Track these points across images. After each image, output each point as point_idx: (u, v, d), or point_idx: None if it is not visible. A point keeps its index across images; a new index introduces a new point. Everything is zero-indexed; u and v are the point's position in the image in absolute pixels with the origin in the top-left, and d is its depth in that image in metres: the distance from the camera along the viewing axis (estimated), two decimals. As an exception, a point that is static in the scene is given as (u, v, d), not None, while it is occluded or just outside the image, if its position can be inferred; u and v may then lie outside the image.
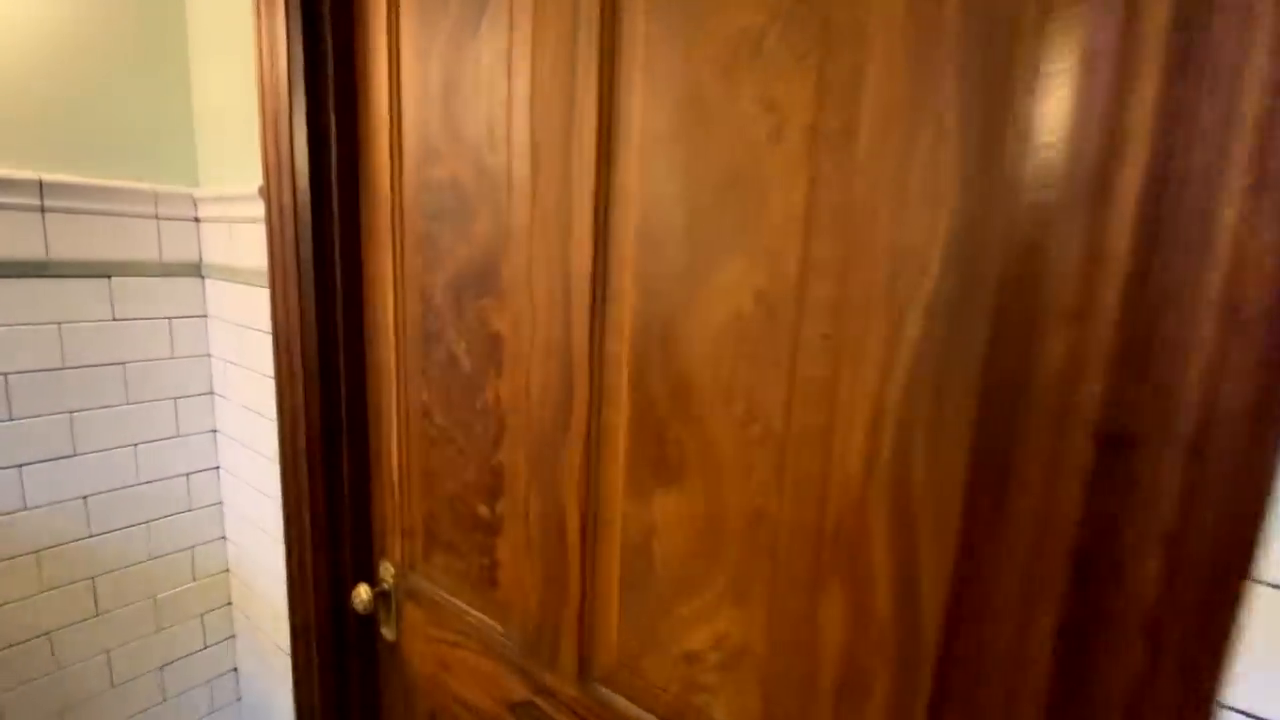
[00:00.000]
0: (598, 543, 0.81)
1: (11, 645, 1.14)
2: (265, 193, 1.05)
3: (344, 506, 1.12)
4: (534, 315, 0.81)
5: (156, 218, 1.22)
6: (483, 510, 0.97)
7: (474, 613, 1.00)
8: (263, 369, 1.19)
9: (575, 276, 0.75)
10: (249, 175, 1.13)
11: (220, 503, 1.40)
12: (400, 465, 1.08)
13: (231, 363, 1.28)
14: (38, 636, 1.17)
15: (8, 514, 1.11)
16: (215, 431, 1.37)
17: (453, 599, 1.04)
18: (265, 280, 1.10)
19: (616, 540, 0.79)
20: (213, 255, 1.26)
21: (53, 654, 1.19)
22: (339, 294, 1.04)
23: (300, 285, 1.03)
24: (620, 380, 0.75)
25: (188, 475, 1.34)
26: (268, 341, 1.16)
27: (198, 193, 1.26)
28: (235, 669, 1.43)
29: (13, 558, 1.13)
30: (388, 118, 0.96)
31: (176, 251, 1.25)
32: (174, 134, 1.23)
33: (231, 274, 1.22)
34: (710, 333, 0.65)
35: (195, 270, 1.29)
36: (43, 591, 1.17)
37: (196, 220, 1.28)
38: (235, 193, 1.15)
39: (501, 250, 0.85)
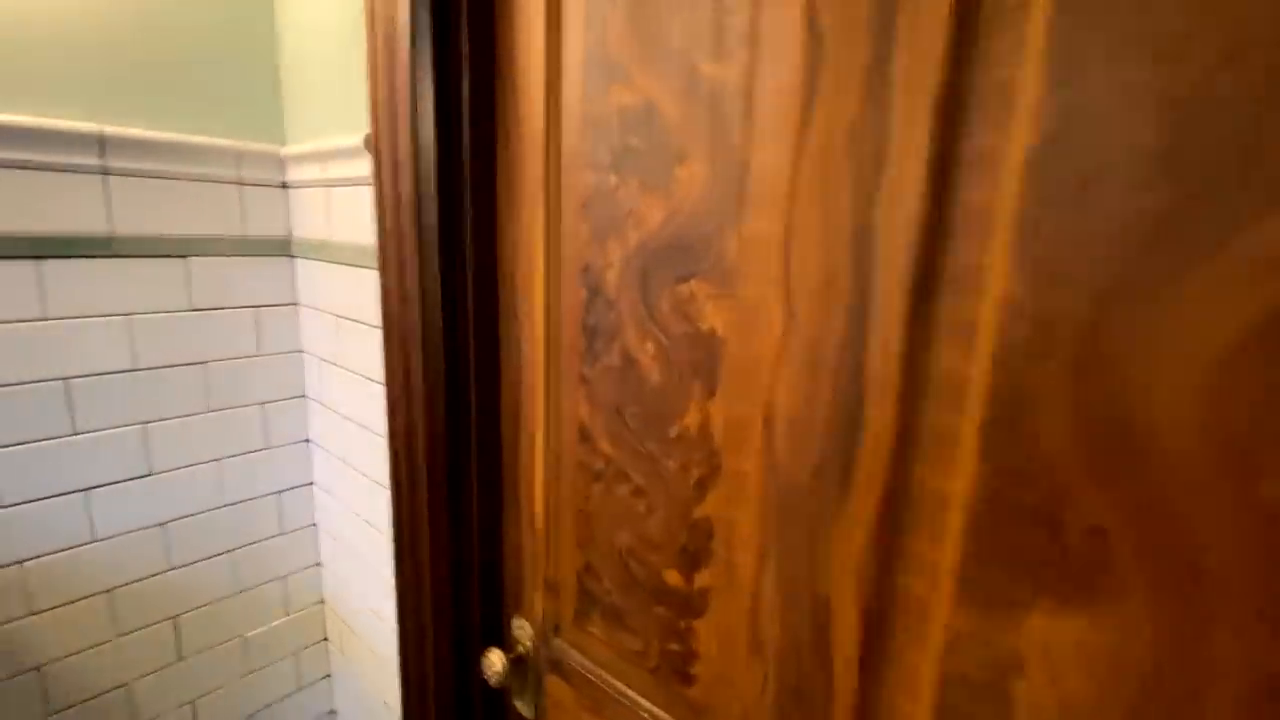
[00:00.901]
0: (891, 664, 0.53)
1: (84, 700, 0.96)
2: (373, 142, 0.80)
3: (471, 548, 0.88)
4: (788, 306, 0.53)
5: (239, 183, 1.00)
6: (673, 578, 0.70)
7: (652, 709, 0.74)
8: (366, 370, 0.95)
9: (884, 242, 0.46)
10: (351, 124, 0.88)
11: (314, 525, 1.19)
12: (545, 501, 0.82)
13: (327, 361, 1.05)
14: (114, 689, 0.99)
15: (73, 548, 0.92)
16: (308, 442, 1.16)
17: (617, 683, 0.78)
18: (370, 259, 0.86)
19: (931, 665, 0.50)
20: (304, 228, 1.03)
21: (131, 708, 1.01)
22: (469, 274, 0.78)
23: (421, 263, 0.78)
24: (961, 420, 0.46)
25: (278, 494, 1.13)
26: (372, 337, 0.92)
27: (285, 150, 1.03)
28: (333, 712, 1.24)
29: (81, 599, 0.94)
30: (541, 23, 0.68)
31: (262, 225, 1.03)
32: (254, 75, 1.00)
33: (327, 251, 0.99)
34: (1211, 351, 0.35)
35: (284, 248, 1.06)
36: (118, 636, 0.98)
37: (284, 186, 1.05)
38: (333, 146, 0.90)
39: (729, 208, 0.56)
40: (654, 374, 0.66)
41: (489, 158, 0.75)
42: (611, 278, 0.68)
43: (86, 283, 0.87)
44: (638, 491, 0.71)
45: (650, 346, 0.66)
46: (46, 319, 0.85)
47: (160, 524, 1.00)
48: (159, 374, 0.96)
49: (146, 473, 0.97)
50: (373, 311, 0.90)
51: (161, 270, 0.94)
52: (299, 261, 1.07)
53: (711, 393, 0.61)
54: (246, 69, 0.98)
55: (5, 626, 0.88)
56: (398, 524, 0.91)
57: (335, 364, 1.03)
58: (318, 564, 1.21)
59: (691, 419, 0.63)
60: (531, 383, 0.79)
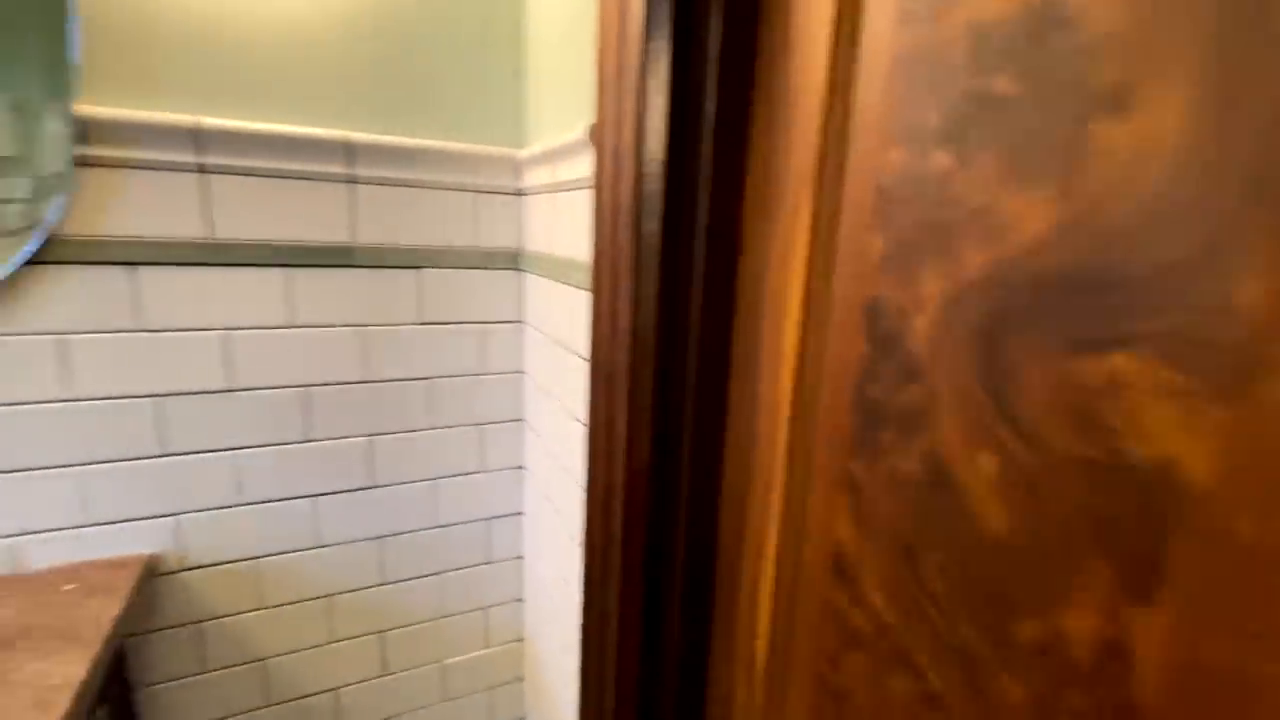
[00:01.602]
0: None
1: (297, 698, 0.99)
2: (596, 131, 0.62)
3: (666, 683, 0.66)
4: None
5: (475, 190, 0.93)
6: None
7: None
8: (574, 408, 0.80)
9: None
10: (582, 114, 0.74)
11: (520, 557, 1.10)
12: (770, 645, 0.56)
13: (544, 390, 0.94)
14: (324, 692, 1.00)
15: (301, 551, 0.95)
16: (522, 469, 1.07)
17: None
18: (586, 278, 0.70)
19: None
20: (534, 240, 0.93)
21: (336, 713, 1.01)
22: (696, 304, 0.56)
23: (636, 286, 0.58)
24: None
25: (488, 520, 1.06)
26: (581, 371, 0.77)
27: (522, 154, 0.94)
28: (520, 761, 1.14)
29: (306, 600, 0.96)
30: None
31: (494, 235, 0.96)
32: (498, 71, 0.92)
33: (548, 266, 0.86)
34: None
35: (514, 261, 0.98)
36: (332, 642, 0.99)
37: (519, 194, 0.96)
38: (560, 144, 0.77)
39: (1247, 210, 0.23)
40: (995, 515, 0.36)
41: (737, 140, 0.53)
42: (920, 326, 0.40)
43: (328, 293, 0.88)
44: (932, 700, 0.41)
45: (992, 461, 0.36)
46: (295, 326, 0.87)
47: (377, 538, 0.99)
48: (387, 387, 0.94)
49: (371, 485, 0.96)
50: (584, 340, 0.75)
51: (395, 282, 0.91)
52: (527, 276, 0.97)
53: (1139, 591, 0.29)
54: (491, 65, 0.91)
55: (240, 617, 0.93)
56: (584, 628, 0.73)
57: (548, 393, 0.91)
58: (520, 599, 1.12)
59: (1076, 624, 0.32)
60: (767, 469, 0.54)
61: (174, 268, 0.79)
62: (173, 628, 0.89)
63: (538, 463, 1.00)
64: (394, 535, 1.00)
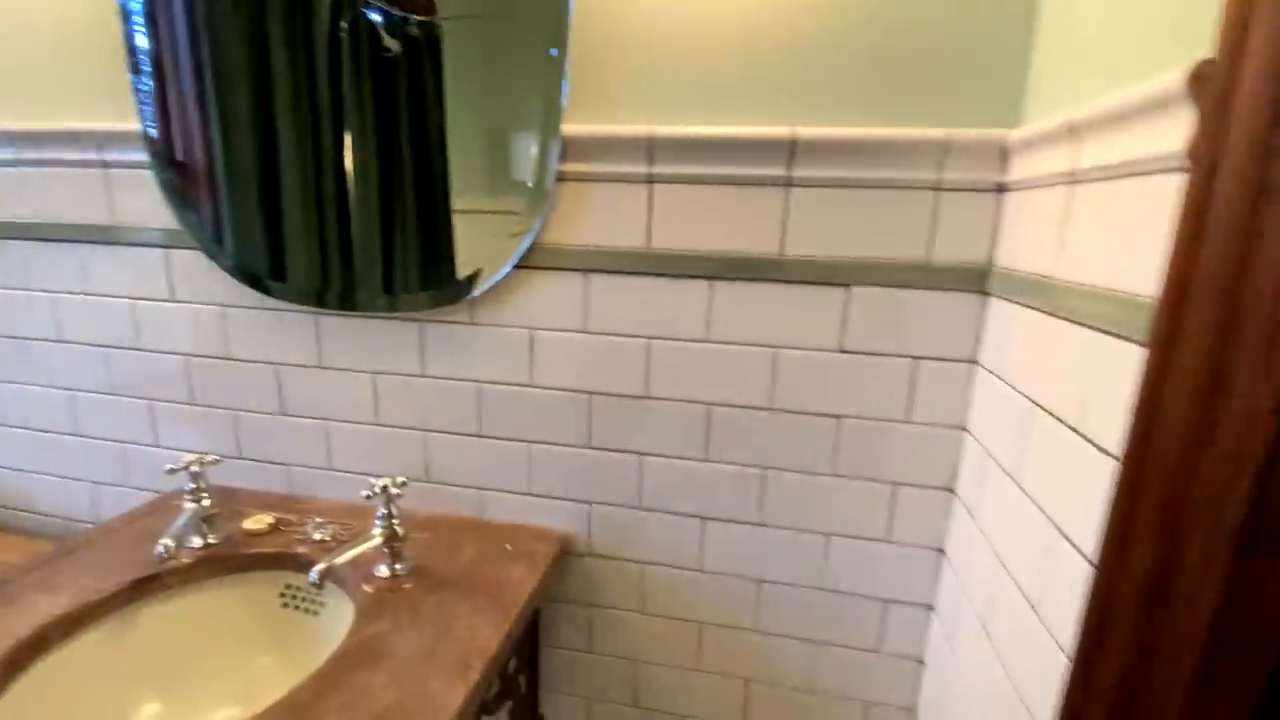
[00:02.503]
0: None
1: (663, 712, 0.96)
2: (1218, 70, 0.35)
3: None
4: None
5: (934, 188, 0.72)
6: None
7: None
8: (1060, 513, 0.53)
9: None
10: (1151, 61, 0.46)
11: (920, 661, 0.86)
12: None
13: (994, 461, 0.68)
14: (684, 718, 0.96)
15: (684, 569, 0.91)
16: (941, 554, 0.82)
17: None
18: (1133, 323, 0.43)
19: None
20: (1015, 254, 0.67)
21: (694, 750, 0.96)
22: None
23: (1268, 347, 0.29)
24: None
25: (884, 602, 0.85)
26: (1088, 462, 0.49)
27: (1014, 135, 0.68)
28: None
29: (678, 619, 0.93)
30: None
31: (953, 246, 0.73)
32: (991, 29, 0.68)
33: (1045, 294, 0.59)
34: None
35: (977, 281, 0.73)
36: (697, 670, 0.94)
37: (999, 189, 0.71)
38: (1103, 109, 0.49)
39: None
40: None
41: None
42: None
43: (746, 308, 0.79)
44: None
45: None
46: (708, 340, 0.82)
47: (756, 579, 0.89)
48: (791, 419, 0.82)
49: (757, 521, 0.87)
50: (1103, 411, 0.47)
51: (818, 300, 0.77)
52: (994, 303, 0.71)
53: None
54: (980, 22, 0.68)
55: (623, 613, 0.95)
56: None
57: (1007, 472, 0.64)
58: (908, 709, 0.88)
59: None
60: None
61: (615, 275, 0.82)
62: (571, 604, 0.97)
63: (967, 557, 0.74)
64: (773, 582, 0.88)
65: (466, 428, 0.93)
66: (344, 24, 0.81)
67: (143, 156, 0.92)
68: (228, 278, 0.94)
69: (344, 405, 0.97)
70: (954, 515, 0.80)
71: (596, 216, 0.81)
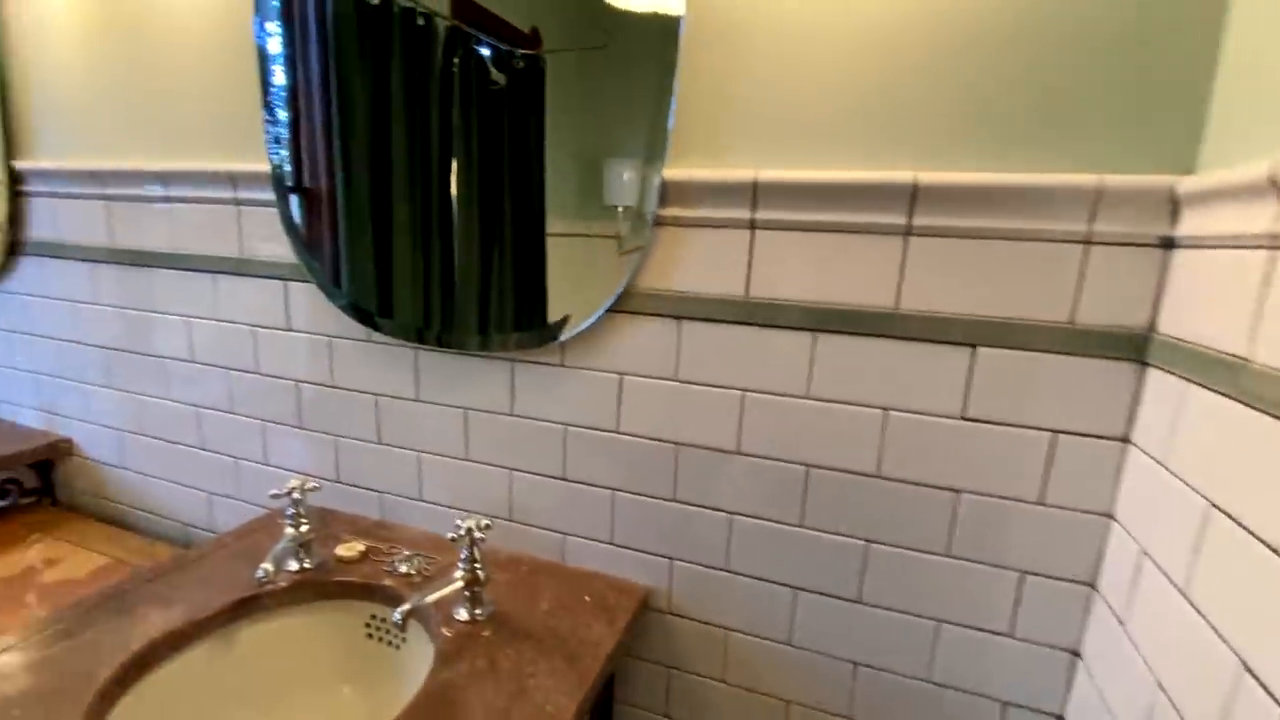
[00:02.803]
0: None
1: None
2: None
3: None
4: None
5: (1083, 241, 0.63)
6: None
7: None
8: (1240, 641, 0.43)
9: None
10: None
11: (1046, 778, 0.74)
12: None
13: (1155, 564, 0.57)
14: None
15: (771, 641, 0.84)
16: (1076, 657, 0.71)
17: None
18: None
19: None
20: (1187, 323, 0.57)
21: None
22: None
23: None
24: None
25: (1003, 705, 0.75)
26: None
27: (1186, 184, 0.58)
28: None
29: (763, 694, 0.86)
30: None
31: (1105, 307, 0.63)
32: (1162, 64, 0.59)
33: (1238, 379, 0.50)
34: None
35: (1135, 348, 0.63)
36: (780, 756, 0.87)
37: (1166, 245, 0.61)
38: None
39: None
40: None
41: None
42: None
43: (853, 364, 0.73)
44: None
45: None
46: (808, 397, 0.76)
47: (852, 662, 0.80)
48: (901, 489, 0.74)
49: (856, 599, 0.79)
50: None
51: (938, 360, 0.69)
52: (1156, 375, 0.61)
53: None
54: (1150, 54, 0.59)
55: (703, 680, 0.89)
56: None
57: (1171, 580, 0.54)
58: (1031, 832, 0.76)
59: None
60: None
61: (709, 324, 0.78)
62: (649, 662, 0.92)
63: (1111, 667, 0.63)
64: (872, 668, 0.80)
65: (551, 469, 0.92)
66: (456, 59, 0.84)
67: (270, 195, 0.98)
68: (339, 311, 0.98)
69: (436, 439, 0.99)
70: (1094, 614, 0.69)
71: (693, 261, 0.78)
